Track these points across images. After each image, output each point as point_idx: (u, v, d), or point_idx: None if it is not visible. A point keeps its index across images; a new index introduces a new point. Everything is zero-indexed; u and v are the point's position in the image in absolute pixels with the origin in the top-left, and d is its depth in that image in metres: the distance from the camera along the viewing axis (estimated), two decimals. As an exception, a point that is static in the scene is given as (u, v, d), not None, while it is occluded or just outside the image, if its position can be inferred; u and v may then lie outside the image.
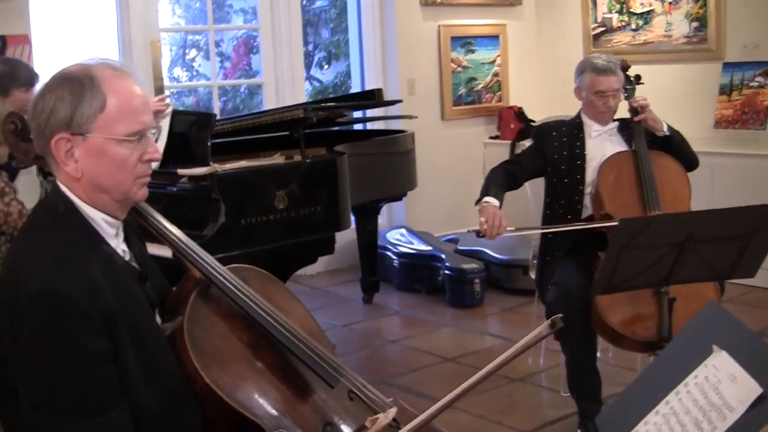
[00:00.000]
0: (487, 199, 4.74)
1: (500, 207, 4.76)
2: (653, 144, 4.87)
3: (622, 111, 4.99)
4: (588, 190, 4.85)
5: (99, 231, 2.37)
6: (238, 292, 2.53)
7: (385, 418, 2.43)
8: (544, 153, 4.96)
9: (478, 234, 4.60)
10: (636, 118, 4.82)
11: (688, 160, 4.95)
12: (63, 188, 2.37)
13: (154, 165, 2.49)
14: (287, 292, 2.84)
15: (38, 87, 2.41)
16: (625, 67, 5.04)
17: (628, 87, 4.99)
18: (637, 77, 5.09)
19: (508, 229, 4.61)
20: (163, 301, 2.60)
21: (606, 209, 4.66)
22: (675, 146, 4.90)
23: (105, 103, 2.31)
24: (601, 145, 4.93)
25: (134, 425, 2.25)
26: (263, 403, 2.40)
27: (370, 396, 2.64)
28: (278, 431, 2.35)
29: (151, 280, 2.56)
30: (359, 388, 2.65)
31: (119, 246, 2.45)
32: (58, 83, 2.32)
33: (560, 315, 2.50)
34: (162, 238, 2.58)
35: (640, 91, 5.03)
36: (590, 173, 4.86)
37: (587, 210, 4.86)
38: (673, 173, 4.80)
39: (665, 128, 4.87)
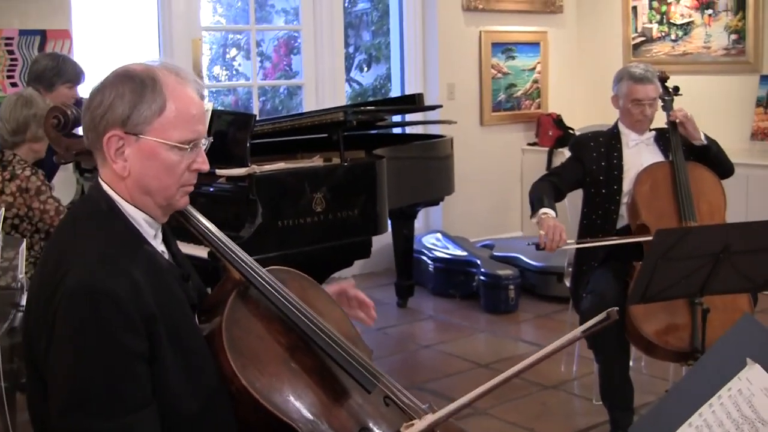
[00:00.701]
0: (544, 210, 4.67)
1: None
2: (690, 154, 4.87)
3: (658, 121, 4.99)
4: (625, 200, 4.85)
5: (141, 231, 2.38)
6: (277, 294, 2.52)
7: (421, 423, 2.42)
8: (584, 164, 4.96)
9: (538, 247, 4.53)
10: (677, 127, 4.83)
11: (724, 168, 4.95)
12: (105, 186, 2.38)
13: None
14: (325, 295, 2.83)
15: (95, 82, 2.39)
16: (663, 79, 5.04)
17: (666, 98, 4.99)
18: (676, 88, 5.09)
19: (568, 241, 4.56)
20: (200, 301, 2.61)
21: (642, 219, 4.66)
22: (712, 156, 4.90)
23: (164, 107, 2.32)
24: (638, 154, 4.94)
25: (172, 425, 2.25)
26: (299, 407, 2.39)
27: (406, 402, 2.63)
28: None
29: (193, 280, 2.57)
30: (396, 394, 2.63)
31: (159, 246, 2.46)
32: (120, 80, 2.33)
33: (616, 308, 2.46)
34: (202, 239, 2.57)
35: (678, 102, 5.03)
36: (627, 183, 4.86)
37: (623, 220, 4.86)
38: (709, 184, 4.80)
39: (703, 138, 4.87)
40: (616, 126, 5.03)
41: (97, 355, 2.15)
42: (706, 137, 4.91)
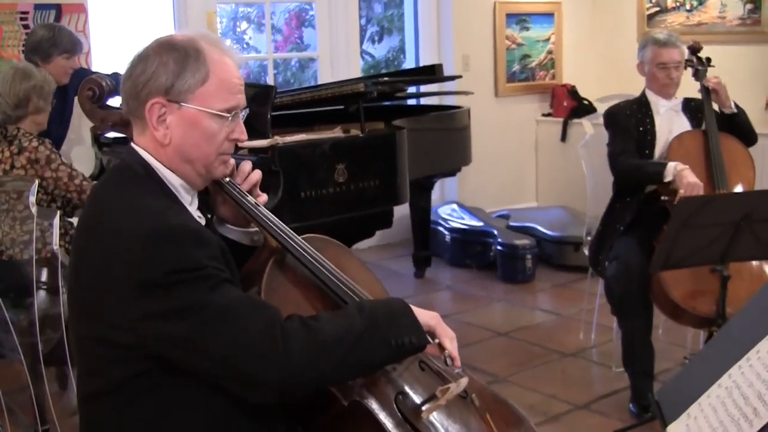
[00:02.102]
0: (673, 163, 4.64)
1: None
2: (719, 123, 4.91)
3: (685, 91, 5.02)
4: None
5: (178, 196, 2.41)
6: (314, 262, 2.53)
7: (456, 387, 2.46)
8: (628, 130, 4.98)
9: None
10: (709, 85, 4.90)
11: (750, 136, 5.03)
12: (140, 151, 2.40)
13: None
14: (359, 262, 2.85)
15: (131, 52, 2.42)
16: (697, 49, 5.12)
17: (700, 68, 5.06)
18: (708, 59, 5.14)
19: None
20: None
21: (675, 185, 4.68)
22: (741, 123, 4.96)
23: (207, 77, 2.35)
24: (669, 121, 5.00)
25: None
26: None
27: (440, 366, 2.64)
28: (354, 399, 2.37)
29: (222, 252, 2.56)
30: (430, 358, 2.65)
31: (195, 213, 2.48)
32: (164, 49, 2.36)
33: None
34: (240, 208, 2.57)
35: (711, 73, 5.08)
36: (659, 149, 4.93)
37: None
38: (740, 156, 4.87)
39: (733, 106, 4.92)
40: (643, 94, 5.07)
41: (202, 286, 2.18)
42: (736, 105, 4.96)
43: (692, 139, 4.84)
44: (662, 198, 4.69)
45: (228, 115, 2.39)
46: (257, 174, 2.67)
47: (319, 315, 2.33)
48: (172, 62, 2.34)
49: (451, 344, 2.51)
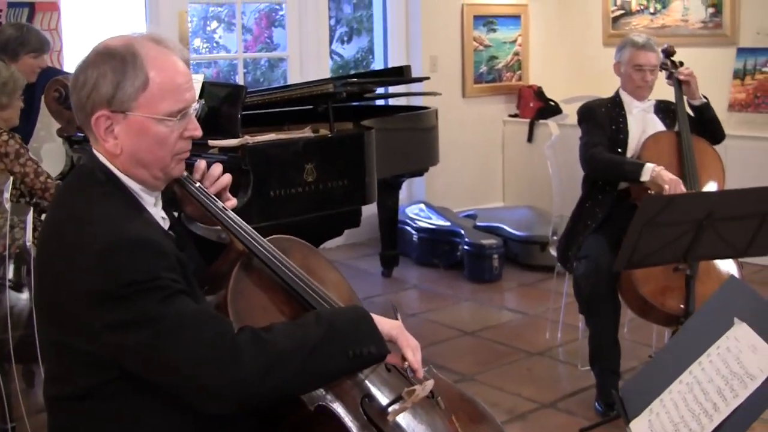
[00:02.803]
0: (649, 165, 4.70)
1: None
2: (690, 125, 4.99)
3: (657, 93, 5.09)
4: None
5: (140, 200, 2.39)
6: (280, 265, 2.53)
7: (422, 389, 2.46)
8: (602, 126, 5.05)
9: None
10: (682, 78, 4.99)
11: (718, 131, 5.16)
12: (101, 158, 2.38)
13: None
14: (327, 263, 2.84)
15: (81, 56, 2.38)
16: (671, 52, 5.21)
17: (673, 71, 5.14)
18: (681, 63, 5.22)
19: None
20: (202, 272, 2.62)
21: (646, 184, 4.74)
22: (710, 117, 5.10)
23: (147, 82, 2.30)
24: (642, 121, 5.07)
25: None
26: None
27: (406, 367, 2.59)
28: (319, 403, 2.38)
29: (187, 250, 2.56)
30: None
31: (158, 214, 2.47)
32: (102, 58, 2.31)
33: None
34: (206, 210, 2.57)
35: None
36: (631, 148, 5.00)
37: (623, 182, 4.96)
38: (710, 158, 4.97)
39: (701, 97, 5.03)
40: (617, 95, 5.14)
41: (154, 296, 2.16)
42: (704, 97, 5.06)
43: (666, 139, 4.93)
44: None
45: (174, 118, 2.35)
46: (227, 178, 2.66)
47: (273, 326, 2.31)
48: (110, 72, 2.29)
49: (413, 355, 2.50)
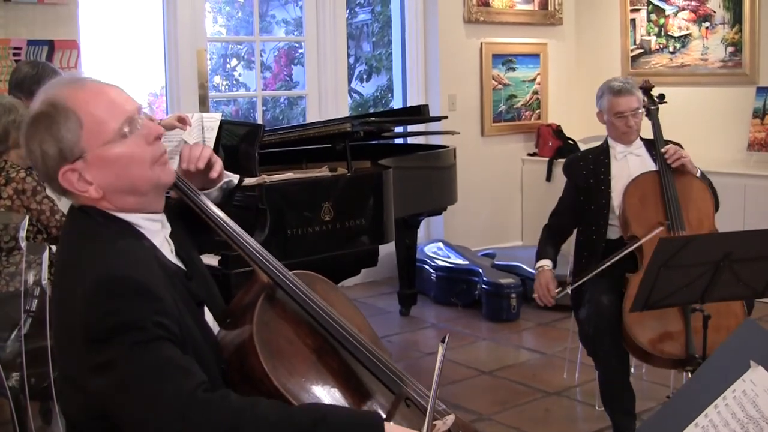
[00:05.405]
0: (539, 264, 5.00)
1: (554, 264, 5.05)
2: None
3: (647, 130, 5.06)
4: (617, 212, 4.91)
5: (143, 231, 2.39)
6: (304, 297, 2.55)
7: (443, 425, 2.46)
8: (576, 185, 5.05)
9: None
10: (674, 165, 4.85)
11: (716, 200, 4.97)
12: (89, 211, 2.38)
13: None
14: (346, 299, 2.87)
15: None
16: (648, 88, 5.13)
17: (651, 107, 5.07)
18: (661, 96, 5.16)
19: (557, 290, 4.89)
20: (227, 303, 2.65)
21: (632, 231, 4.74)
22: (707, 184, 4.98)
23: (80, 119, 2.29)
24: (626, 166, 4.99)
25: None
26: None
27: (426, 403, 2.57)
28: None
29: (196, 278, 2.57)
30: (419, 395, 2.63)
31: (164, 242, 2.48)
32: (33, 127, 2.32)
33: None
34: (232, 243, 2.60)
35: (675, 114, 5.12)
36: (616, 196, 4.93)
37: (617, 232, 4.92)
38: (696, 191, 4.83)
39: (698, 173, 4.93)
40: (605, 141, 5.10)
41: (141, 338, 2.15)
42: (702, 172, 4.97)
43: (647, 180, 4.83)
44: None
45: (125, 131, 2.33)
46: (207, 151, 2.72)
47: (258, 400, 2.23)
48: (45, 133, 2.30)
49: None
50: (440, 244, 8.36)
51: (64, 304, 2.26)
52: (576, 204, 5.06)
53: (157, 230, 2.44)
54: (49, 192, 4.92)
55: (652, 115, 5.06)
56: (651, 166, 4.96)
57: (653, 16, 9.03)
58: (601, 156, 5.05)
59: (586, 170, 5.04)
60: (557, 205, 5.25)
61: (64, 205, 4.99)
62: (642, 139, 5.08)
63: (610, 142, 5.07)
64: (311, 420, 2.20)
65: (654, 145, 4.99)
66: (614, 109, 4.95)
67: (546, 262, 4.97)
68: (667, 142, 4.94)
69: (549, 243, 5.09)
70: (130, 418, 2.17)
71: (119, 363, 2.14)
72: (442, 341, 2.55)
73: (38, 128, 2.31)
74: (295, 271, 2.66)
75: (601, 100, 5.05)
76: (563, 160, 8.49)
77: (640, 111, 4.98)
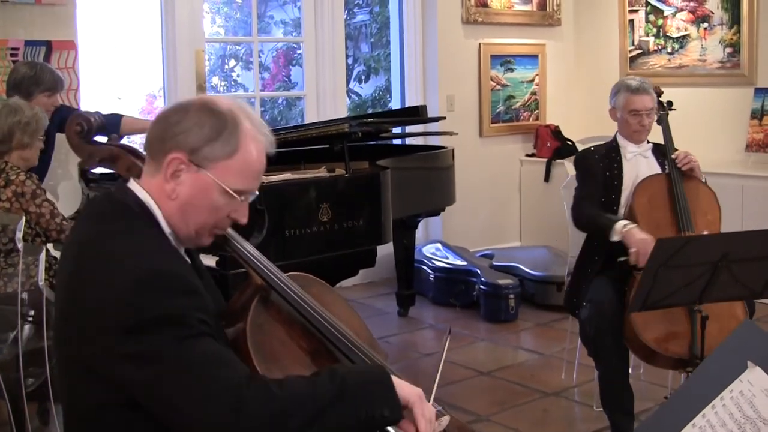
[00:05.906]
0: (624, 222, 4.65)
1: None
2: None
3: (656, 135, 5.07)
4: (622, 210, 4.92)
5: (170, 239, 2.42)
6: (298, 299, 2.55)
7: (438, 426, 2.46)
8: (595, 176, 5.03)
9: (636, 267, 4.49)
10: (684, 168, 4.86)
11: None
12: (138, 191, 2.41)
13: None
14: (342, 301, 2.86)
15: (178, 101, 2.43)
16: (658, 93, 5.13)
17: (661, 113, 5.10)
18: (669, 103, 5.20)
19: None
20: (218, 303, 2.63)
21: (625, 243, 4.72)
22: None
23: (235, 153, 2.36)
24: (636, 166, 5.01)
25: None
26: None
27: None
28: None
29: (204, 279, 2.56)
30: None
31: (182, 255, 2.49)
32: (206, 110, 2.37)
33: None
34: (225, 245, 2.60)
35: (674, 115, 5.13)
36: (625, 194, 4.94)
37: None
38: (704, 198, 4.86)
39: (704, 180, 4.95)
40: (614, 139, 5.10)
41: (182, 334, 2.17)
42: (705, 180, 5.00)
43: (657, 182, 4.85)
44: (619, 260, 4.64)
45: (239, 197, 2.39)
46: None
47: (287, 379, 2.28)
48: (208, 127, 2.35)
49: (426, 426, 2.41)
50: (438, 245, 8.35)
51: (90, 287, 2.24)
52: (595, 187, 5.02)
53: (170, 232, 2.45)
54: (49, 195, 4.92)
55: (662, 120, 5.07)
56: (658, 170, 4.99)
57: (651, 17, 9.03)
58: (612, 153, 5.06)
59: (602, 162, 5.04)
60: (584, 191, 5.05)
61: (63, 208, 5.01)
62: (650, 143, 5.09)
63: (620, 140, 5.08)
64: (335, 390, 2.26)
65: (663, 150, 5.01)
66: (630, 107, 4.96)
67: (629, 222, 4.66)
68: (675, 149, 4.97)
69: (601, 209, 4.92)
70: (176, 410, 2.18)
71: (166, 355, 2.16)
72: (449, 332, 2.56)
73: (209, 116, 2.37)
74: (290, 273, 2.67)
75: (616, 97, 5.05)
76: (562, 161, 8.58)
77: (653, 111, 5.01)
